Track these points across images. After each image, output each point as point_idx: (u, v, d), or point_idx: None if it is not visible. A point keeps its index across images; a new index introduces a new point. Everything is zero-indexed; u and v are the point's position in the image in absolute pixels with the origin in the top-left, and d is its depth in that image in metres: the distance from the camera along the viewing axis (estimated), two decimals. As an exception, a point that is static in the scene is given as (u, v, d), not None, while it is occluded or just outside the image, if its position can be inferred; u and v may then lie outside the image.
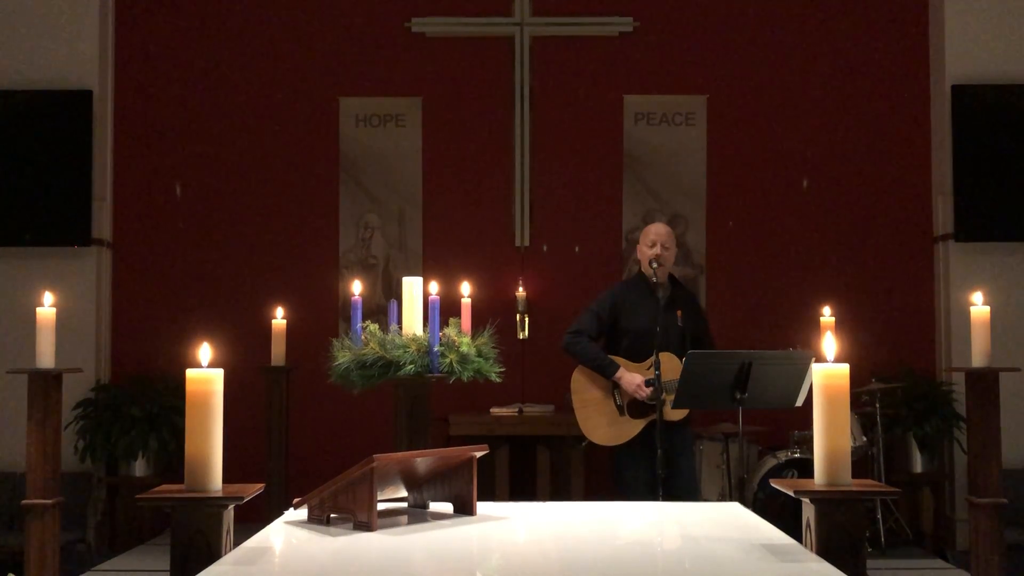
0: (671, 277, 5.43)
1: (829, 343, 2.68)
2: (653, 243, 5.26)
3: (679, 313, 5.27)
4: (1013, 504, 5.37)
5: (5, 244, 6.97)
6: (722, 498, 5.90)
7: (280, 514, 2.90)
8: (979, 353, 4.41)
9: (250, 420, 6.17)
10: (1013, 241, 7.00)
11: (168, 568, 2.50)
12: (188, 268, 7.37)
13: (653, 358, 5.03)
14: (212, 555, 2.46)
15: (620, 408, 5.25)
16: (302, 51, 7.48)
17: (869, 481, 2.81)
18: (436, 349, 3.69)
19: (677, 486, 5.17)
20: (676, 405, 4.86)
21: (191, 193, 7.44)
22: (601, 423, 5.28)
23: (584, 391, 5.34)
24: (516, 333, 7.17)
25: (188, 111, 7.45)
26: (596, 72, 7.47)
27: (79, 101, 7.03)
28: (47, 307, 4.43)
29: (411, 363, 3.66)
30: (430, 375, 3.71)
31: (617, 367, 5.23)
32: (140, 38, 7.44)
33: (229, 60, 7.47)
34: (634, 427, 5.20)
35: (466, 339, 3.75)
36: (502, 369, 3.89)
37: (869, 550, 5.94)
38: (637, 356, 5.28)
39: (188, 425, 2.56)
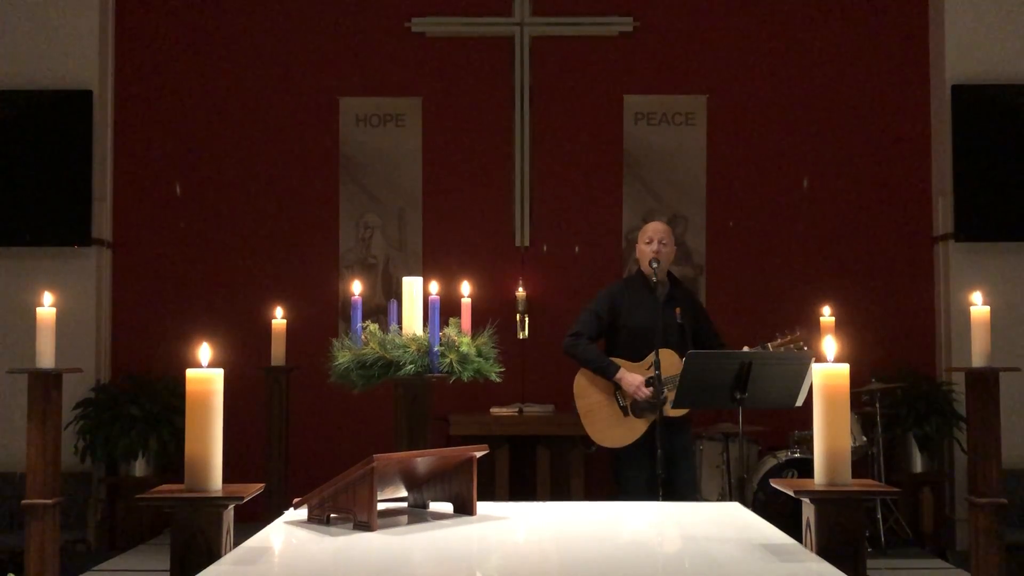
0: (670, 275, 5.44)
1: (829, 343, 2.68)
2: (650, 240, 5.27)
3: (678, 311, 5.27)
4: (1013, 504, 5.37)
5: (5, 244, 6.97)
6: (722, 498, 5.90)
7: (280, 514, 2.90)
8: (979, 353, 4.41)
9: (250, 420, 6.17)
10: (1013, 241, 7.00)
11: (168, 568, 2.50)
12: (188, 268, 7.37)
13: (653, 356, 5.03)
14: (212, 555, 2.46)
15: (624, 409, 5.25)
16: (302, 51, 7.48)
17: (869, 481, 2.81)
18: (436, 349, 3.69)
19: (677, 488, 5.16)
20: (676, 405, 4.86)
21: (191, 193, 7.44)
22: (607, 426, 5.27)
23: (587, 395, 5.33)
24: (516, 333, 7.17)
25: (188, 111, 7.45)
26: (596, 72, 7.46)
27: (79, 101, 7.03)
28: (47, 307, 4.43)
29: (411, 363, 3.66)
30: (430, 375, 3.71)
31: (617, 368, 5.23)
32: (140, 38, 7.44)
33: (229, 60, 7.47)
34: (640, 427, 5.19)
35: (466, 339, 3.75)
36: (502, 369, 3.89)
37: (869, 550, 5.94)
38: (634, 354, 5.28)
39: (188, 425, 2.56)
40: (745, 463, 5.44)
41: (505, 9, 7.46)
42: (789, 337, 5.10)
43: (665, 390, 4.94)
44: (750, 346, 5.13)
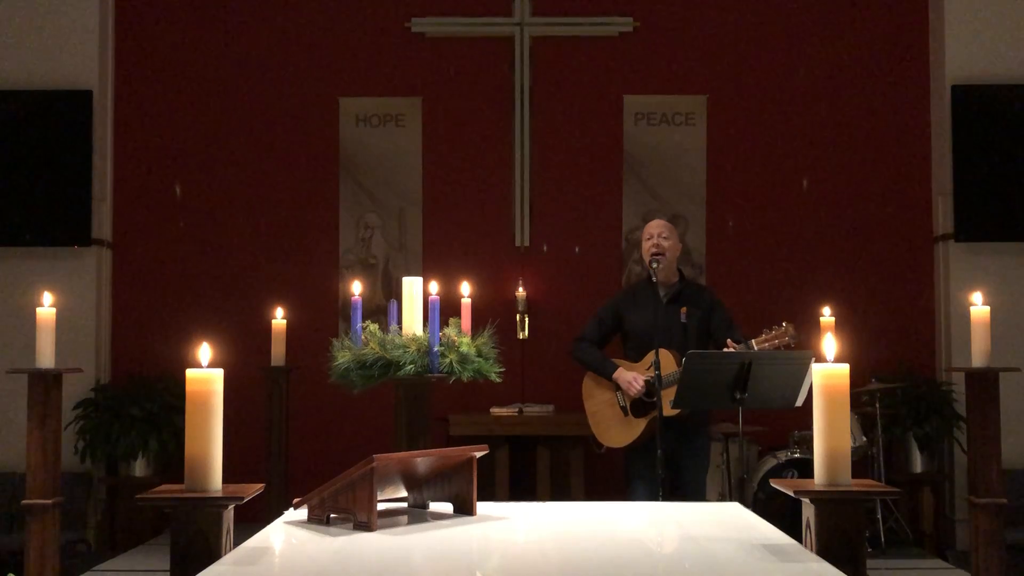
0: (680, 274, 5.41)
1: (829, 343, 2.68)
2: (650, 236, 5.27)
3: (683, 310, 5.24)
4: (1013, 504, 5.37)
5: (5, 244, 6.97)
6: (722, 498, 5.90)
7: (280, 514, 2.90)
8: (979, 353, 4.41)
9: (250, 420, 6.17)
10: (1013, 241, 7.00)
11: (168, 568, 2.50)
12: (188, 268, 7.37)
13: (651, 356, 5.02)
14: (212, 555, 2.46)
15: (624, 408, 5.26)
16: (302, 51, 7.48)
17: (869, 481, 2.81)
18: (436, 349, 3.69)
19: (682, 489, 5.16)
20: (676, 405, 4.85)
21: (191, 193, 7.44)
22: (611, 426, 5.30)
23: (592, 397, 5.40)
24: (516, 333, 7.17)
25: (188, 111, 7.45)
26: (596, 72, 7.46)
27: (79, 101, 7.03)
28: (47, 307, 4.43)
29: (411, 363, 3.66)
30: (430, 375, 3.71)
31: (615, 367, 5.26)
32: (140, 38, 7.44)
33: (229, 60, 7.47)
34: (638, 426, 5.20)
35: (466, 339, 3.75)
36: (502, 369, 3.89)
37: (869, 550, 5.94)
38: (638, 355, 5.29)
39: (188, 425, 2.56)
40: (745, 463, 5.44)
41: (505, 9, 7.46)
42: (774, 332, 5.03)
43: (662, 388, 4.93)
44: (735, 344, 5.05)
